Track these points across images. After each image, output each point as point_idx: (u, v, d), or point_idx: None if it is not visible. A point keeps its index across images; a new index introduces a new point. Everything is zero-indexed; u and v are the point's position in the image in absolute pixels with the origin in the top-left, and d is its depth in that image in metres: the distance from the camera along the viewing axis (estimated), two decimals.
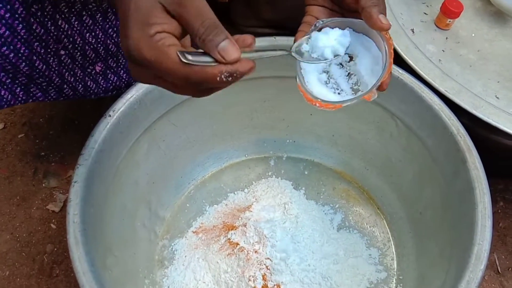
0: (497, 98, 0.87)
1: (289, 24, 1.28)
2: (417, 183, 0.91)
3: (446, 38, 0.97)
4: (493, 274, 1.01)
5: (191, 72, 0.49)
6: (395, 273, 0.91)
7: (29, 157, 1.09)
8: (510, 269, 1.01)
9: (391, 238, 0.95)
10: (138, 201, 0.89)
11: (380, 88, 0.63)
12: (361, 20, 0.62)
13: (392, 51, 0.62)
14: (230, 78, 0.50)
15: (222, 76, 0.50)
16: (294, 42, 0.64)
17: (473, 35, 0.99)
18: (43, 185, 1.05)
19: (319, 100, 0.64)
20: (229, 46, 0.50)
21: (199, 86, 0.52)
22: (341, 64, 0.67)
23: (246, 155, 1.05)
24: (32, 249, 0.98)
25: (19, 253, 0.97)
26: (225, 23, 1.32)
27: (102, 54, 0.84)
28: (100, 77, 0.86)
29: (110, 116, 0.78)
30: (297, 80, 0.66)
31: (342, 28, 0.65)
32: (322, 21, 0.65)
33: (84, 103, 1.13)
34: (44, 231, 0.99)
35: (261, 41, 0.87)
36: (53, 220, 1.01)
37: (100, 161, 0.76)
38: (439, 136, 0.82)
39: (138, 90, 0.81)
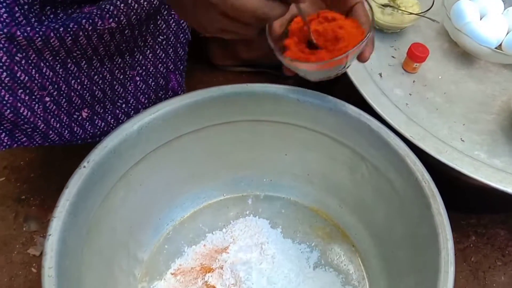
0: (462, 141, 0.89)
1: (265, 62, 1.32)
2: (388, 223, 0.92)
3: (414, 81, 0.98)
4: None
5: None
6: None
7: (10, 201, 1.09)
8: None
9: (365, 276, 0.96)
10: (116, 246, 0.90)
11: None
12: None
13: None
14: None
15: None
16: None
17: (440, 77, 1.00)
18: (24, 229, 1.05)
19: None
20: None
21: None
22: None
23: (224, 195, 1.06)
24: None
25: None
26: (203, 63, 1.34)
27: (88, 100, 0.85)
28: (87, 123, 0.87)
29: (84, 167, 0.79)
30: None
31: None
32: None
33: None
34: (25, 275, 1.00)
35: (233, 88, 0.89)
36: (34, 264, 1.01)
37: (75, 212, 0.76)
38: (406, 180, 0.84)
39: (113, 139, 0.81)
